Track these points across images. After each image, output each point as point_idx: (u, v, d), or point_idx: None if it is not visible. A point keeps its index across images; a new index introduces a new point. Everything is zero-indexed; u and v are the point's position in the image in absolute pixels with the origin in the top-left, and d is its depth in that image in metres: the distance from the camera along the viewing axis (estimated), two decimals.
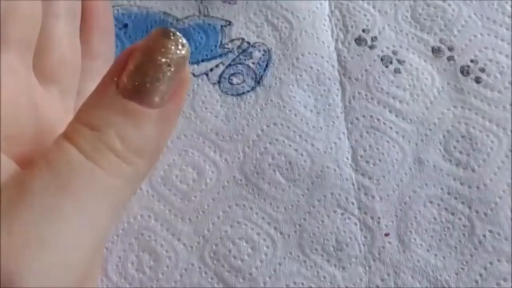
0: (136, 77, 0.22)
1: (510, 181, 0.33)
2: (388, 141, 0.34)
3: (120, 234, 0.33)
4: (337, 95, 0.36)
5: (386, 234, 0.32)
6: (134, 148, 0.23)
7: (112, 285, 0.32)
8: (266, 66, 0.37)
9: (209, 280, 0.32)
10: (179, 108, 0.24)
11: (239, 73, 0.36)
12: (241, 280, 0.31)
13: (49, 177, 0.21)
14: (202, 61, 0.37)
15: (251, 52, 0.37)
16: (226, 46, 0.37)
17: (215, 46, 0.37)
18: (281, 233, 0.33)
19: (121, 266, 0.32)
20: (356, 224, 0.33)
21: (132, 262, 0.32)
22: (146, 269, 0.32)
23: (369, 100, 0.35)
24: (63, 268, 0.21)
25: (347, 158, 0.34)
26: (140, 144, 0.23)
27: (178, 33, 0.22)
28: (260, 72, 0.36)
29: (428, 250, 0.32)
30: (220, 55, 0.37)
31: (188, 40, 0.34)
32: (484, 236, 0.32)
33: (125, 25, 0.38)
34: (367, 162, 0.34)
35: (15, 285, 0.20)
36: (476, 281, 0.31)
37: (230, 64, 0.37)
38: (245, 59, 0.37)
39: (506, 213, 0.32)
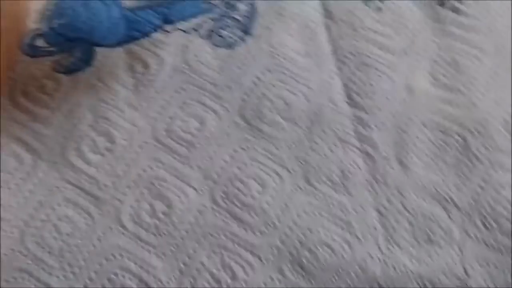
0: None
1: (497, 98, 0.34)
2: (379, 75, 0.36)
3: (131, 185, 0.33)
4: (324, 38, 0.37)
5: (387, 160, 0.34)
6: None
7: (128, 233, 0.32)
8: (253, 17, 0.38)
9: (223, 219, 0.32)
10: None
11: (227, 25, 0.38)
12: (254, 216, 0.32)
13: None
14: (190, 17, 0.38)
15: (235, 5, 0.38)
16: (211, 1, 0.38)
17: (201, 2, 0.38)
18: (287, 169, 0.34)
19: (135, 215, 0.33)
20: (357, 154, 0.34)
21: (145, 210, 0.33)
22: (160, 215, 0.33)
23: (356, 39, 0.37)
24: None
25: (341, 95, 0.35)
26: None
27: None
28: (247, 23, 0.37)
29: (427, 170, 0.33)
30: (207, 10, 0.38)
31: None
32: (479, 150, 0.33)
33: None
34: (361, 96, 0.35)
35: None
36: (477, 193, 0.33)
37: (217, 18, 0.38)
38: (231, 12, 0.38)
39: (497, 127, 0.34)
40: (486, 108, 0.34)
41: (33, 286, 0.31)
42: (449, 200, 0.33)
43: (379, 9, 0.37)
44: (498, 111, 0.34)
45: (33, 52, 0.37)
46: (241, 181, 0.33)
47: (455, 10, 0.37)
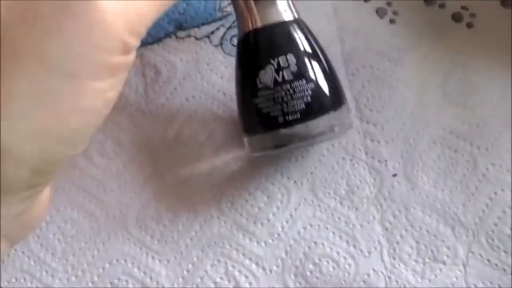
0: None
1: (508, 117, 0.34)
2: (389, 89, 0.36)
3: (137, 191, 0.33)
4: (336, 49, 0.37)
5: (394, 175, 0.34)
6: None
7: (133, 238, 0.33)
8: None
9: (228, 228, 0.33)
10: None
11: None
12: (259, 226, 0.32)
13: None
14: (203, 24, 0.38)
15: None
16: (225, 9, 0.38)
17: (214, 9, 0.38)
18: (294, 181, 0.34)
19: (141, 221, 0.33)
20: (364, 168, 0.34)
21: (151, 216, 0.33)
22: (166, 221, 0.33)
23: (368, 51, 0.37)
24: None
25: (351, 108, 0.35)
26: None
27: None
28: None
29: (435, 186, 0.33)
30: (220, 18, 0.38)
31: (187, 5, 0.36)
32: (487, 169, 0.33)
33: None
34: (371, 110, 0.35)
35: None
36: (483, 211, 0.33)
37: (230, 26, 0.38)
38: None
39: (506, 146, 0.34)
40: (496, 127, 0.34)
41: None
42: (455, 217, 0.33)
43: (392, 22, 0.37)
44: (508, 129, 0.34)
45: None
46: (248, 192, 0.33)
47: (470, 26, 0.36)
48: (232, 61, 0.37)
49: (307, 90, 0.28)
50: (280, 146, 0.29)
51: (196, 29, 0.38)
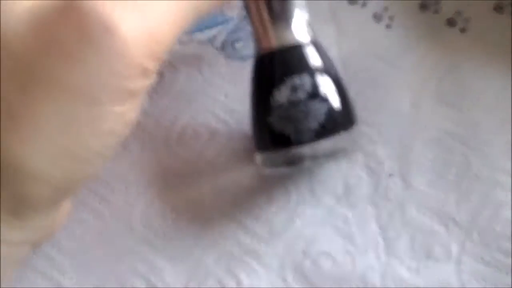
0: None
1: (501, 119, 0.35)
2: (385, 92, 0.37)
3: (141, 191, 0.35)
4: (334, 53, 0.38)
5: (390, 175, 0.35)
6: None
7: (138, 236, 0.34)
8: None
9: (230, 226, 0.34)
10: None
11: (241, 38, 0.39)
12: (260, 224, 0.34)
13: None
14: (206, 28, 0.39)
15: None
16: (227, 14, 0.39)
17: (217, 14, 0.39)
18: (293, 181, 0.35)
19: (145, 218, 0.34)
20: (361, 169, 0.35)
21: (155, 215, 0.34)
22: (169, 221, 0.34)
23: (365, 55, 0.38)
24: None
25: None
26: None
27: None
28: None
29: (429, 186, 0.34)
30: (222, 22, 0.39)
31: None
32: (480, 169, 0.34)
33: None
34: (368, 112, 0.36)
35: None
36: (477, 211, 0.34)
37: (231, 30, 0.39)
38: (245, 25, 0.39)
39: (499, 148, 0.35)
40: (490, 128, 0.35)
41: (45, 286, 0.32)
42: (449, 216, 0.34)
43: (388, 27, 0.38)
44: (502, 131, 0.35)
45: None
46: (249, 192, 0.35)
47: (463, 31, 0.38)
48: (233, 64, 0.38)
49: (321, 110, 0.29)
50: (291, 164, 0.30)
51: (199, 33, 0.39)
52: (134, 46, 0.22)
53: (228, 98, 0.37)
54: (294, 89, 0.29)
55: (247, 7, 0.31)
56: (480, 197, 0.34)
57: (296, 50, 0.30)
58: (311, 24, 0.31)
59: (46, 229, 0.26)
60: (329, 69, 0.30)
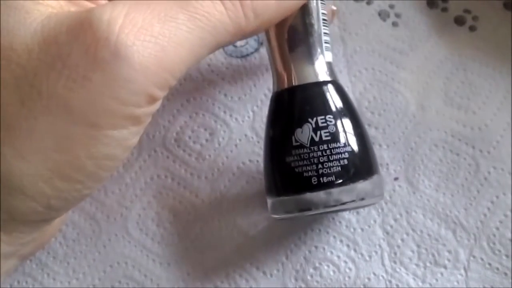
0: None
1: (509, 120, 0.34)
2: (391, 92, 0.35)
3: (138, 194, 0.34)
4: (339, 51, 0.37)
5: (396, 178, 0.34)
6: (256, 5, 0.24)
7: (134, 241, 0.33)
8: None
9: (228, 231, 0.33)
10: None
11: None
12: (260, 230, 0.32)
13: None
14: None
15: None
16: None
17: None
18: None
19: (141, 223, 0.33)
20: None
21: (152, 218, 0.33)
22: (166, 224, 0.33)
23: (370, 53, 0.36)
24: None
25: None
26: (261, 6, 0.24)
27: None
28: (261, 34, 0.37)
29: (436, 190, 0.33)
30: None
31: None
32: (489, 172, 0.33)
33: None
34: (372, 112, 0.35)
35: None
36: (485, 215, 0.33)
37: None
38: None
39: (508, 150, 0.34)
40: (498, 130, 0.34)
41: None
42: (457, 221, 0.33)
43: (395, 24, 0.37)
44: (510, 132, 0.34)
45: None
46: (248, 196, 0.33)
47: (472, 29, 0.36)
48: (233, 62, 0.37)
49: (344, 153, 0.27)
50: (306, 210, 0.27)
51: None
52: (143, 75, 0.21)
53: (228, 97, 0.36)
54: (317, 129, 0.27)
55: (268, 41, 0.30)
56: (489, 201, 0.33)
57: (319, 88, 0.28)
58: (332, 64, 0.29)
59: (36, 243, 0.26)
60: (352, 112, 0.29)
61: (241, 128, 0.35)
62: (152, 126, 0.35)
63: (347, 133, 0.28)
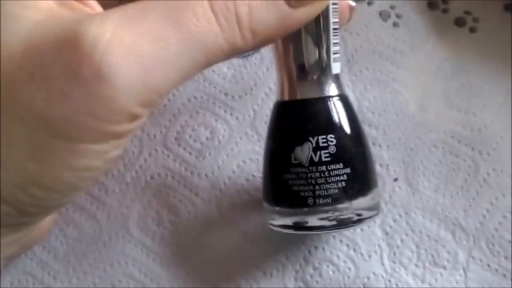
0: None
1: (509, 122, 0.34)
2: (391, 92, 0.36)
3: (138, 193, 0.34)
4: (339, 50, 0.37)
5: (395, 179, 0.34)
6: (254, 25, 0.23)
7: (134, 240, 0.33)
8: None
9: (228, 230, 0.33)
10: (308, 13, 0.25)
11: None
12: (260, 230, 0.32)
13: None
14: None
15: None
16: None
17: None
18: None
19: (142, 222, 0.33)
20: None
21: (152, 218, 0.33)
22: (166, 223, 0.33)
23: (371, 53, 0.37)
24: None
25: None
26: (260, 25, 0.23)
27: None
28: None
29: (436, 191, 0.33)
30: None
31: None
32: (488, 174, 0.33)
33: None
34: (373, 113, 0.35)
35: None
36: (484, 216, 0.33)
37: None
38: None
39: (508, 152, 0.34)
40: (498, 132, 0.34)
41: None
42: (456, 222, 0.33)
43: (396, 25, 0.37)
44: (510, 134, 0.34)
45: None
46: (248, 195, 0.33)
47: (472, 31, 0.36)
48: (233, 62, 0.37)
49: (343, 175, 0.26)
50: (300, 229, 0.27)
51: None
52: (125, 94, 0.21)
53: (228, 96, 0.36)
54: (318, 149, 0.26)
55: (274, 46, 0.28)
56: (489, 202, 0.33)
57: (323, 104, 0.27)
58: (341, 77, 0.28)
59: (21, 243, 0.26)
60: (356, 130, 0.28)
61: (241, 126, 0.35)
62: (153, 125, 0.35)
63: (349, 155, 0.27)
